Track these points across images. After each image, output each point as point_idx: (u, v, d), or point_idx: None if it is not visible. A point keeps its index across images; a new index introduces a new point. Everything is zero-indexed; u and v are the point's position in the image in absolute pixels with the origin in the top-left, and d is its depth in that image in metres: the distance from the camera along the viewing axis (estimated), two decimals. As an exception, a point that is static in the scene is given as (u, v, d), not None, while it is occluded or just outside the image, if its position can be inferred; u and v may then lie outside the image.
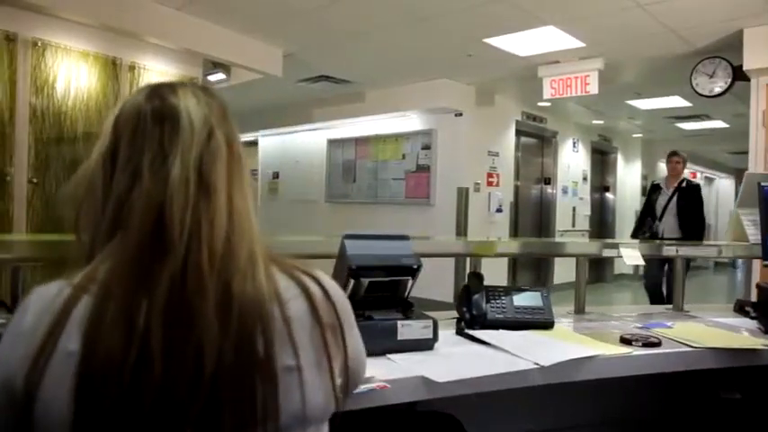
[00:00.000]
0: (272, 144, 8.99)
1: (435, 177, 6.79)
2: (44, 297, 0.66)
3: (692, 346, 1.60)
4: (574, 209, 8.55)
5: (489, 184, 6.86)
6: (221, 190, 0.70)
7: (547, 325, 1.74)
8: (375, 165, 7.41)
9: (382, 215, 7.16)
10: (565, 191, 8.35)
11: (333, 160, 7.93)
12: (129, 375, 0.60)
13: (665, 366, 1.54)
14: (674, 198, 5.41)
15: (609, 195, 9.82)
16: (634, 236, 5.74)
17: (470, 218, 6.66)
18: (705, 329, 1.87)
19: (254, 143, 9.24)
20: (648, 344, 1.59)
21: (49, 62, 3.92)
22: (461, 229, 6.66)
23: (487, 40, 4.68)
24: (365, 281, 1.48)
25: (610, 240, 2.67)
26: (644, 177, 9.96)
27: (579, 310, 2.11)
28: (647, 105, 7.10)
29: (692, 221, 5.30)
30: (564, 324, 1.84)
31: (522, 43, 4.72)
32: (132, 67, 4.41)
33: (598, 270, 9.07)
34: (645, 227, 5.56)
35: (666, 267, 5.10)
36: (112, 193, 0.70)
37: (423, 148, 6.91)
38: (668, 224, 5.41)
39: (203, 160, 0.70)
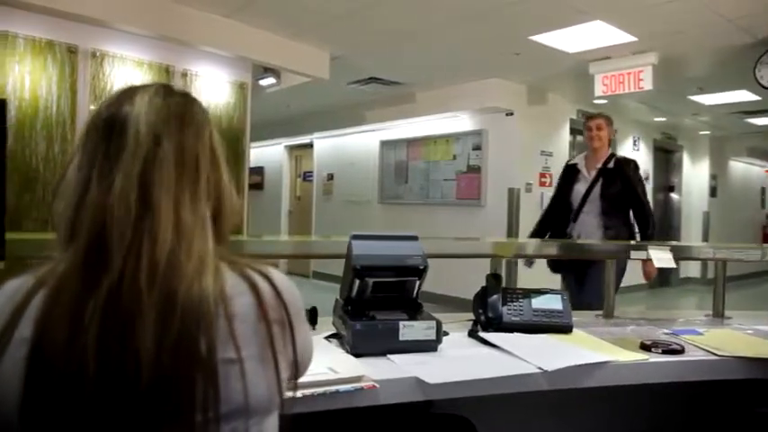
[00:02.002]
0: (326, 146, 9.12)
1: (486, 178, 6.69)
2: (9, 288, 0.71)
3: (717, 355, 1.51)
4: (634, 210, 8.21)
5: (542, 184, 6.70)
6: (166, 203, 0.70)
7: (565, 329, 1.70)
8: (426, 166, 7.38)
9: (434, 216, 7.13)
10: (624, 191, 8.03)
11: (385, 161, 7.96)
12: (69, 369, 0.64)
13: (683, 375, 1.46)
14: (597, 186, 3.45)
15: (674, 196, 9.38)
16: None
17: (522, 219, 6.54)
18: (740, 337, 1.77)
19: (309, 145, 9.40)
20: (669, 351, 1.52)
21: (106, 71, 4.14)
22: (512, 231, 6.56)
23: (534, 38, 4.58)
24: (370, 281, 1.49)
25: (635, 242, 2.55)
26: (713, 177, 9.46)
27: (608, 315, 2.03)
28: (712, 101, 6.73)
29: (622, 221, 3.45)
30: (587, 329, 1.78)
31: (571, 39, 4.59)
32: (185, 74, 4.59)
33: (662, 273, 8.69)
34: (552, 229, 3.68)
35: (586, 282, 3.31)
36: (72, 197, 0.73)
37: (473, 149, 6.83)
38: (585, 226, 3.45)
39: (147, 174, 0.71)
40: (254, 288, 0.74)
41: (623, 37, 4.45)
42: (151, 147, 0.72)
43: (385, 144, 7.97)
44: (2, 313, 0.68)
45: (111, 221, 0.68)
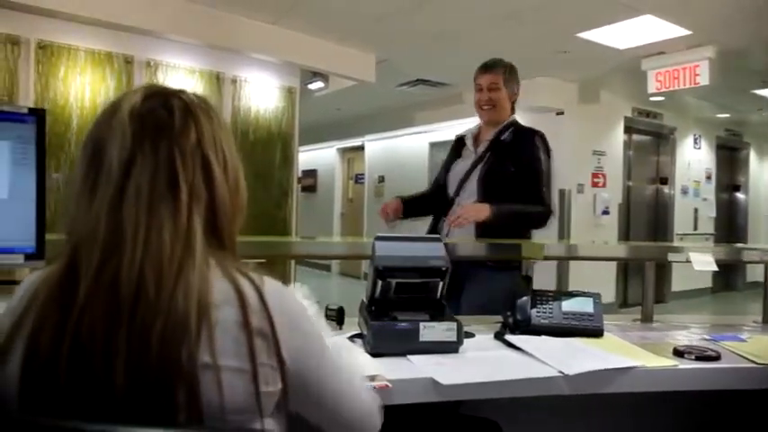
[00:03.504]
0: (377, 148, 9.18)
1: (536, 179, 6.56)
2: (26, 283, 0.78)
3: (756, 363, 1.44)
4: (696, 210, 7.88)
5: (595, 184, 6.52)
6: (137, 229, 0.72)
7: (595, 333, 1.65)
8: (476, 167, 7.31)
9: (483, 218, 7.05)
10: (685, 191, 7.72)
11: (435, 163, 7.93)
12: (50, 377, 0.70)
13: (716, 383, 1.40)
14: (480, 166, 2.36)
15: (740, 195, 8.94)
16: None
17: (574, 220, 6.40)
18: (786, 344, 1.67)
19: (360, 148, 9.49)
20: (703, 357, 1.46)
21: (160, 79, 4.31)
22: (564, 232, 6.41)
23: (581, 35, 4.48)
24: (392, 281, 1.50)
25: (673, 244, 2.44)
26: (783, 175, 8.97)
27: (646, 319, 1.97)
28: (779, 95, 6.38)
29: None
30: (620, 333, 1.73)
31: (620, 36, 4.46)
32: (234, 81, 4.74)
33: (728, 277, 8.30)
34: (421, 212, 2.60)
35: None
36: (65, 215, 0.78)
37: (523, 149, 6.71)
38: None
39: (118, 200, 0.73)
40: (240, 298, 0.74)
41: (676, 31, 4.29)
42: (122, 176, 0.74)
43: (434, 145, 7.95)
44: (18, 307, 0.74)
45: (81, 248, 0.73)
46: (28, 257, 1.25)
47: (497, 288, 1.99)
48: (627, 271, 6.84)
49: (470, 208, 2.17)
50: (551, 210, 2.32)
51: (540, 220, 2.31)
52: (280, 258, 2.23)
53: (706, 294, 7.77)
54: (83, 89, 3.98)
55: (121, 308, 0.69)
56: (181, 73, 4.43)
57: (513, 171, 2.28)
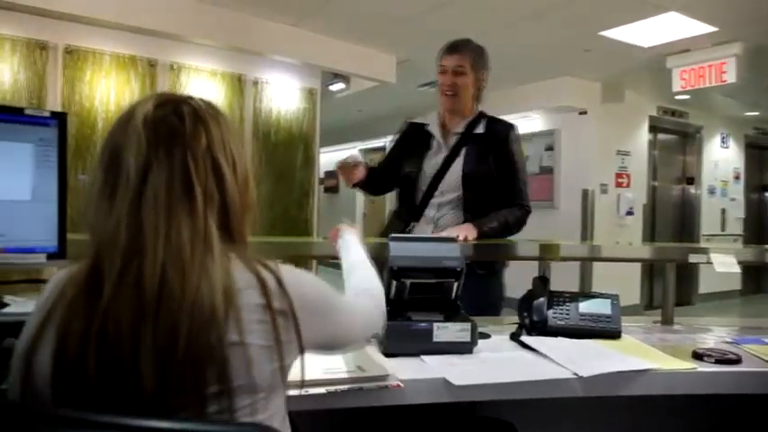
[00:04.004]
0: (398, 149, 9.16)
1: (559, 179, 6.51)
2: (54, 281, 0.81)
3: (777, 366, 1.41)
4: (723, 211, 7.72)
5: (618, 185, 6.44)
6: (155, 230, 0.76)
7: (613, 335, 1.64)
8: (498, 167, 7.27)
9: (505, 218, 7.00)
10: (712, 191, 7.57)
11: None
12: (78, 377, 0.73)
13: (736, 387, 1.38)
14: (458, 162, 2.16)
15: (770, 196, 8.74)
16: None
17: (597, 221, 6.32)
18: (812, 347, 1.63)
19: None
20: (723, 360, 1.43)
21: (183, 82, 4.39)
22: (587, 233, 6.34)
23: (604, 33, 4.42)
24: (407, 282, 1.50)
25: (695, 245, 2.40)
26: (815, 175, 8.73)
27: (666, 321, 1.94)
28: (811, 93, 6.22)
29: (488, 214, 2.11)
30: (639, 335, 1.71)
31: (644, 33, 4.39)
32: (256, 83, 4.79)
33: (758, 279, 8.12)
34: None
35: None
36: (86, 219, 0.81)
37: (546, 149, 6.67)
38: (436, 228, 2.14)
39: (137, 204, 0.77)
40: (261, 282, 0.80)
41: (702, 28, 4.21)
42: (140, 181, 0.77)
43: (456, 146, 7.92)
44: (46, 303, 0.78)
45: (104, 250, 0.76)
46: (50, 257, 1.28)
47: (478, 293, 1.80)
48: (652, 272, 6.73)
49: (460, 230, 1.96)
50: (530, 209, 2.21)
51: (520, 224, 2.20)
52: (301, 259, 2.24)
53: (734, 297, 7.61)
54: (108, 92, 4.06)
55: (146, 304, 0.73)
56: (203, 75, 4.49)
57: (493, 170, 2.13)
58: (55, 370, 0.73)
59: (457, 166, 2.15)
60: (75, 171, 3.77)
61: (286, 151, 5.00)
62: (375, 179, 2.30)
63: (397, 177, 2.27)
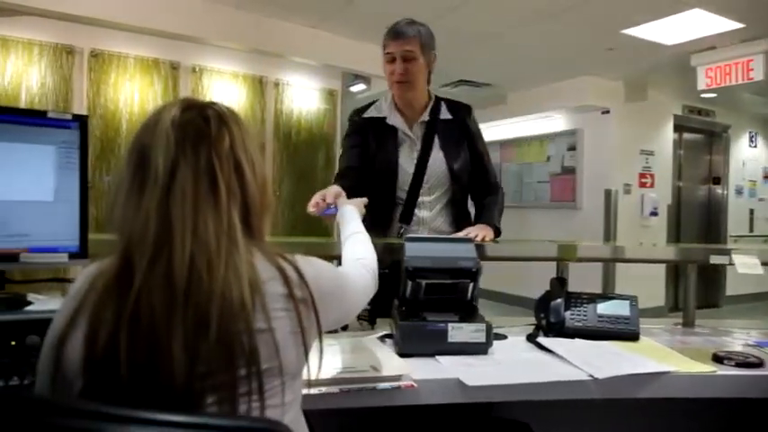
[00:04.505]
0: (419, 150, 9.16)
1: (582, 179, 6.45)
2: (84, 274, 0.85)
3: (801, 369, 1.38)
4: (751, 211, 7.56)
5: (642, 185, 6.35)
6: (183, 222, 0.80)
7: (631, 336, 1.62)
8: (519, 168, 7.23)
9: (527, 219, 6.96)
10: (739, 191, 7.42)
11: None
12: (109, 368, 0.75)
13: (757, 391, 1.35)
14: (437, 154, 2.04)
15: (800, 196, 8.52)
16: None
17: (620, 221, 6.25)
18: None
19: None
20: (744, 364, 1.41)
21: (205, 84, 4.45)
22: (610, 234, 6.27)
23: (626, 31, 4.36)
24: (422, 282, 1.51)
25: (717, 246, 2.35)
26: None
27: (688, 323, 1.91)
28: (843, 90, 6.06)
29: (467, 213, 2.14)
30: (658, 338, 1.68)
31: (668, 31, 4.32)
32: (276, 84, 4.83)
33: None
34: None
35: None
36: (113, 215, 0.85)
37: (568, 149, 6.60)
38: (425, 229, 2.03)
39: (166, 200, 0.80)
40: (282, 274, 0.86)
41: (727, 24, 4.13)
42: (168, 178, 0.81)
43: (477, 146, 7.89)
44: (77, 295, 0.82)
45: (134, 243, 0.80)
46: (72, 256, 1.31)
47: None
48: (677, 274, 6.62)
49: (477, 231, 1.91)
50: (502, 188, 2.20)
51: (502, 204, 2.16)
52: (322, 259, 2.25)
53: (763, 299, 7.44)
54: (132, 95, 4.14)
55: (176, 293, 0.76)
56: (225, 77, 4.54)
57: (467, 156, 2.07)
58: (86, 359, 0.76)
59: (439, 161, 2.03)
60: (100, 172, 3.85)
61: (307, 152, 5.03)
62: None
63: (368, 180, 2.00)
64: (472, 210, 2.17)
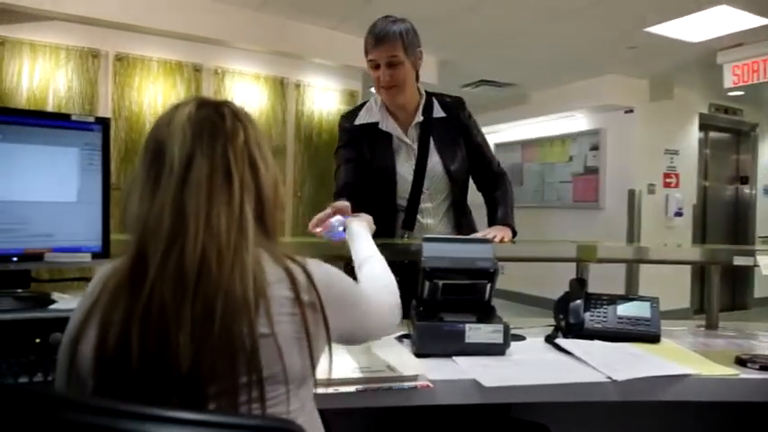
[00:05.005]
0: (440, 150, 9.14)
1: (604, 179, 6.37)
2: (99, 274, 0.87)
3: (828, 373, 1.35)
4: (781, 212, 7.40)
5: (667, 185, 6.25)
6: (197, 216, 0.80)
7: (651, 338, 1.60)
8: (541, 168, 7.18)
9: (549, 219, 6.90)
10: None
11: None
12: (120, 361, 0.77)
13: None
14: (434, 157, 1.99)
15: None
16: None
17: (644, 222, 6.16)
18: None
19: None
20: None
21: (227, 86, 4.50)
22: (633, 234, 6.18)
23: (649, 29, 4.30)
24: (440, 283, 1.50)
25: (741, 247, 2.30)
26: None
27: (711, 325, 1.88)
28: None
29: (468, 214, 2.10)
30: (680, 340, 1.66)
31: (693, 28, 4.25)
32: (297, 85, 4.86)
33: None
34: None
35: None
36: (128, 210, 0.86)
37: (590, 149, 6.53)
38: (432, 230, 1.99)
39: (181, 193, 0.81)
40: (290, 276, 0.84)
41: (754, 21, 4.05)
42: (184, 169, 0.82)
43: (499, 147, 7.83)
44: (90, 295, 0.83)
45: (148, 236, 0.80)
46: (95, 256, 1.34)
47: None
48: (703, 275, 6.50)
49: (495, 231, 1.90)
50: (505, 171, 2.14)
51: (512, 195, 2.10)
52: (341, 259, 2.28)
53: (793, 301, 7.28)
54: (155, 97, 4.20)
55: (186, 285, 0.77)
56: (246, 79, 4.59)
57: (466, 152, 2.02)
58: (97, 359, 0.78)
59: (436, 164, 1.98)
60: (124, 174, 3.92)
61: (328, 153, 5.01)
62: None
63: (367, 191, 1.96)
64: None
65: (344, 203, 1.59)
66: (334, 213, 1.55)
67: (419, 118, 1.99)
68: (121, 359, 0.76)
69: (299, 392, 0.83)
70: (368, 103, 2.06)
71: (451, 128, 2.01)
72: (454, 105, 2.05)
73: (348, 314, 0.95)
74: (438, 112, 2.01)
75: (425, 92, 2.04)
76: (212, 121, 0.87)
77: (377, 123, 1.99)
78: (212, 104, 0.90)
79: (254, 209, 0.87)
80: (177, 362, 0.74)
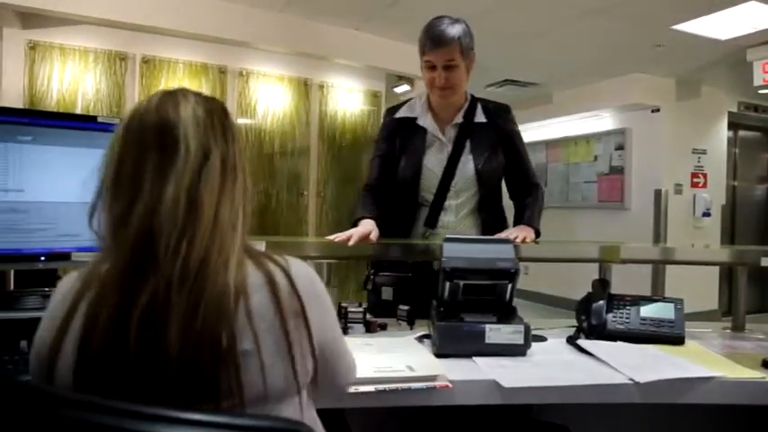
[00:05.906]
0: (463, 150, 9.11)
1: (630, 179, 6.28)
2: (63, 288, 0.83)
3: None
4: (813, 212, 7.21)
5: (694, 185, 6.13)
6: (209, 207, 0.79)
7: (675, 340, 1.58)
8: (566, 168, 7.10)
9: (573, 220, 6.83)
10: (800, 191, 7.09)
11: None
12: (110, 364, 0.74)
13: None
14: (466, 157, 2.01)
15: None
16: None
17: (671, 222, 6.06)
18: None
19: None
20: (797, 370, 1.35)
21: (251, 87, 4.54)
22: (660, 235, 6.08)
23: (677, 27, 4.23)
24: (460, 283, 1.51)
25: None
26: None
27: (737, 327, 1.84)
28: None
29: (500, 218, 2.08)
30: (705, 341, 1.63)
31: (721, 25, 4.17)
32: (321, 86, 4.88)
33: None
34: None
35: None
36: (119, 196, 0.81)
37: (616, 149, 6.45)
38: (452, 228, 1.99)
39: (195, 184, 0.79)
40: (271, 283, 0.81)
41: (786, 17, 3.96)
42: (201, 161, 0.81)
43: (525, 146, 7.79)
44: (57, 312, 0.79)
45: (160, 227, 0.76)
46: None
47: None
48: (731, 277, 6.36)
49: (518, 232, 1.91)
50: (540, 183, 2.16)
51: (542, 200, 2.11)
52: (361, 259, 2.30)
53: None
54: (182, 99, 4.26)
55: (187, 277, 0.75)
56: (271, 80, 4.62)
57: (505, 158, 2.04)
58: (80, 351, 0.75)
59: (467, 164, 2.00)
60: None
61: (351, 153, 5.07)
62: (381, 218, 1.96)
63: (392, 182, 2.03)
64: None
65: (366, 231, 1.81)
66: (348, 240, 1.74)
67: (459, 119, 2.02)
68: (111, 355, 0.73)
69: (280, 410, 0.79)
70: (412, 100, 2.11)
71: (491, 133, 2.03)
72: (497, 112, 2.07)
73: (329, 320, 0.90)
74: (480, 116, 2.03)
75: (471, 95, 2.07)
76: (221, 114, 0.88)
77: (415, 118, 2.04)
78: (211, 97, 0.90)
79: (243, 208, 0.87)
80: (167, 355, 0.73)
